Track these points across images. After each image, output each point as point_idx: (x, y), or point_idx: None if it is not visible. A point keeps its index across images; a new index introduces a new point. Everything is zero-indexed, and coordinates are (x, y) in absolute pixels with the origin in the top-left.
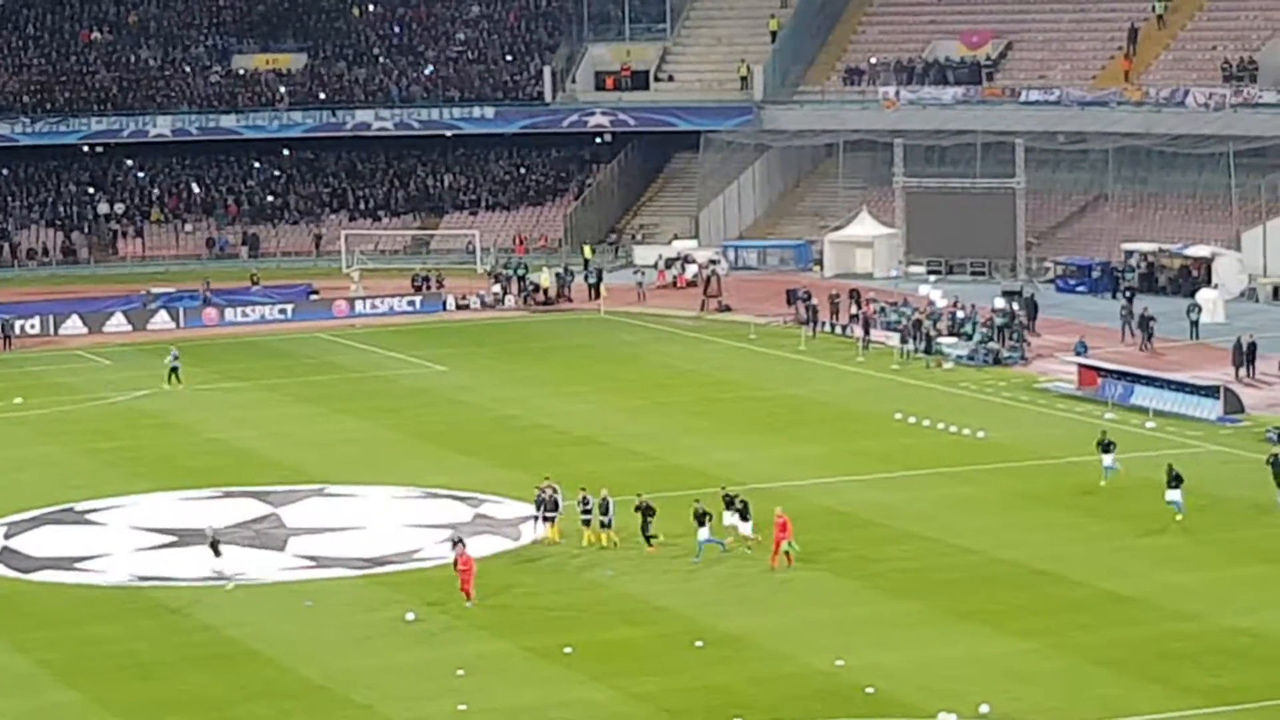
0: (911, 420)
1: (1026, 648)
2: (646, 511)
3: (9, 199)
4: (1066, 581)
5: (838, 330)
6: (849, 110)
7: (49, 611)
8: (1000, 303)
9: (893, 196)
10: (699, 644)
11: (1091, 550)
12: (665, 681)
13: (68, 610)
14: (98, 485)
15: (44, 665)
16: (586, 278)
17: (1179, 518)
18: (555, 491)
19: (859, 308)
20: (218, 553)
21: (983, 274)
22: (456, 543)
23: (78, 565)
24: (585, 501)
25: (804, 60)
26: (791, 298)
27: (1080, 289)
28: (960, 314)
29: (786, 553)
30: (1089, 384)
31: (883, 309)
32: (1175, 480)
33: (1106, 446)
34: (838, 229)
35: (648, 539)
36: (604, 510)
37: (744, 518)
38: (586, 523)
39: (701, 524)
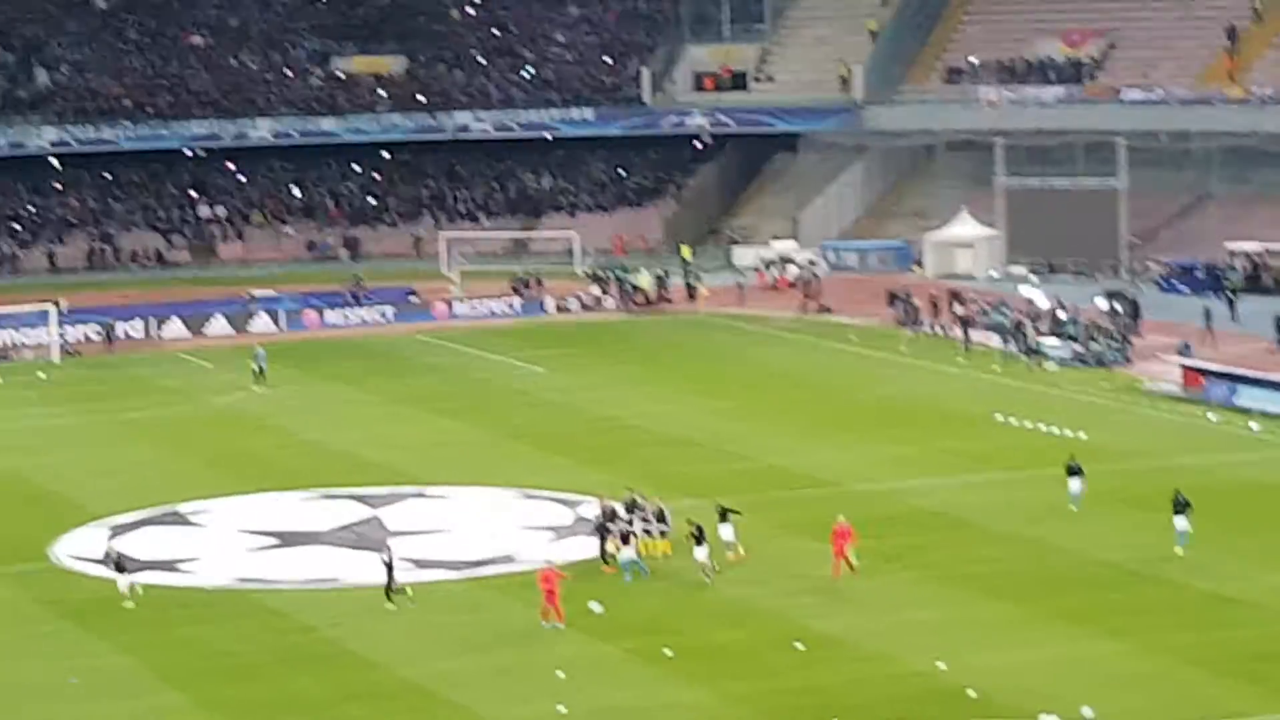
0: (1012, 421)
1: (1127, 649)
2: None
3: (111, 202)
4: (1167, 583)
5: (938, 331)
6: (950, 110)
7: (152, 613)
8: (1102, 303)
9: (994, 196)
10: (799, 646)
11: (1192, 551)
12: (765, 683)
13: (170, 612)
14: (200, 487)
15: (147, 667)
16: (686, 279)
17: (1179, 550)
18: (630, 503)
19: (960, 308)
20: (122, 570)
21: (1085, 274)
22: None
23: (180, 567)
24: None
25: (904, 60)
26: (892, 299)
27: (1184, 289)
28: (1062, 315)
29: (848, 562)
30: (1193, 385)
31: (984, 310)
32: (1182, 506)
33: (1074, 470)
34: (938, 229)
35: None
36: (660, 519)
37: (699, 541)
38: (646, 532)
39: (626, 542)
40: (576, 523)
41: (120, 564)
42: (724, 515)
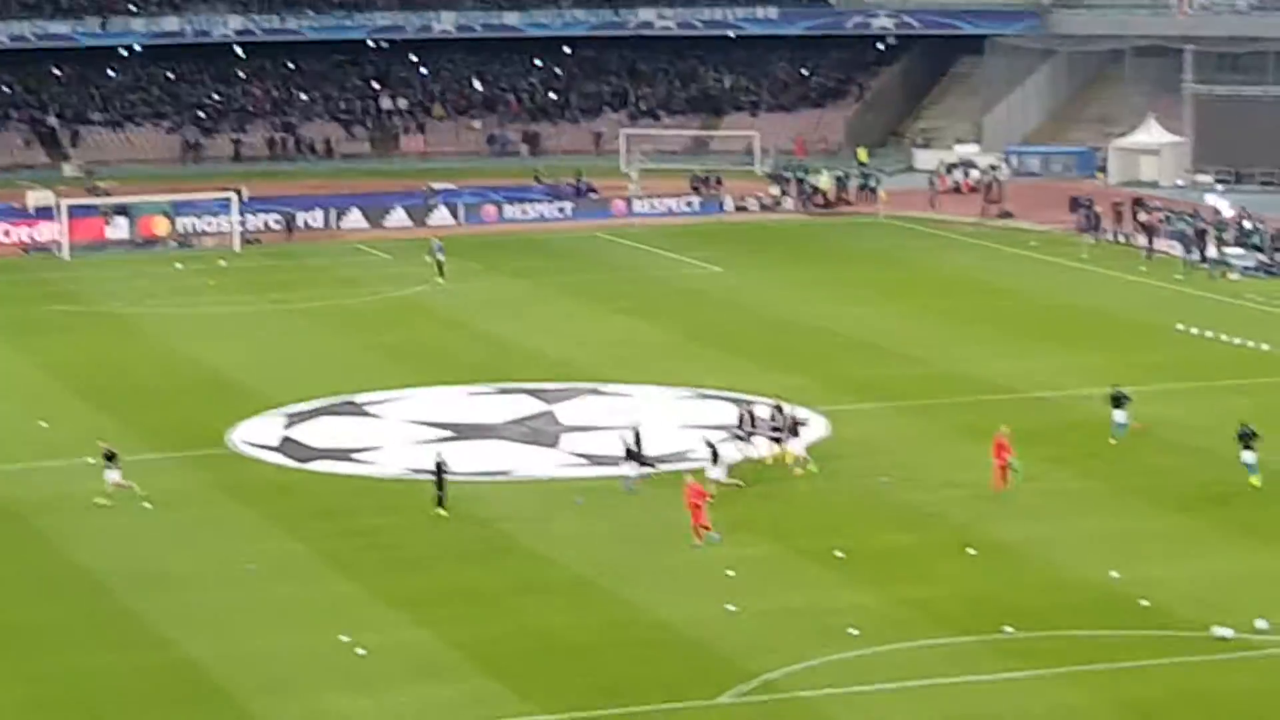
0: (1194, 331)
1: None
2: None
3: (294, 92)
4: None
5: (1121, 239)
6: (1139, 15)
7: (326, 501)
8: None
9: (1181, 104)
10: (971, 552)
11: None
12: (936, 588)
13: (344, 501)
14: (375, 378)
15: (321, 555)
16: (866, 182)
17: (1254, 481)
18: (777, 411)
19: (1144, 216)
20: (112, 463)
21: (1273, 184)
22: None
23: (354, 456)
24: (778, 417)
25: None
26: (1074, 205)
27: None
28: (1248, 224)
29: (1010, 468)
30: None
31: (1168, 218)
32: (1248, 438)
33: (1118, 400)
34: (1123, 136)
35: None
36: (794, 430)
37: (715, 460)
38: (777, 440)
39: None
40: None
41: (110, 456)
42: (795, 429)
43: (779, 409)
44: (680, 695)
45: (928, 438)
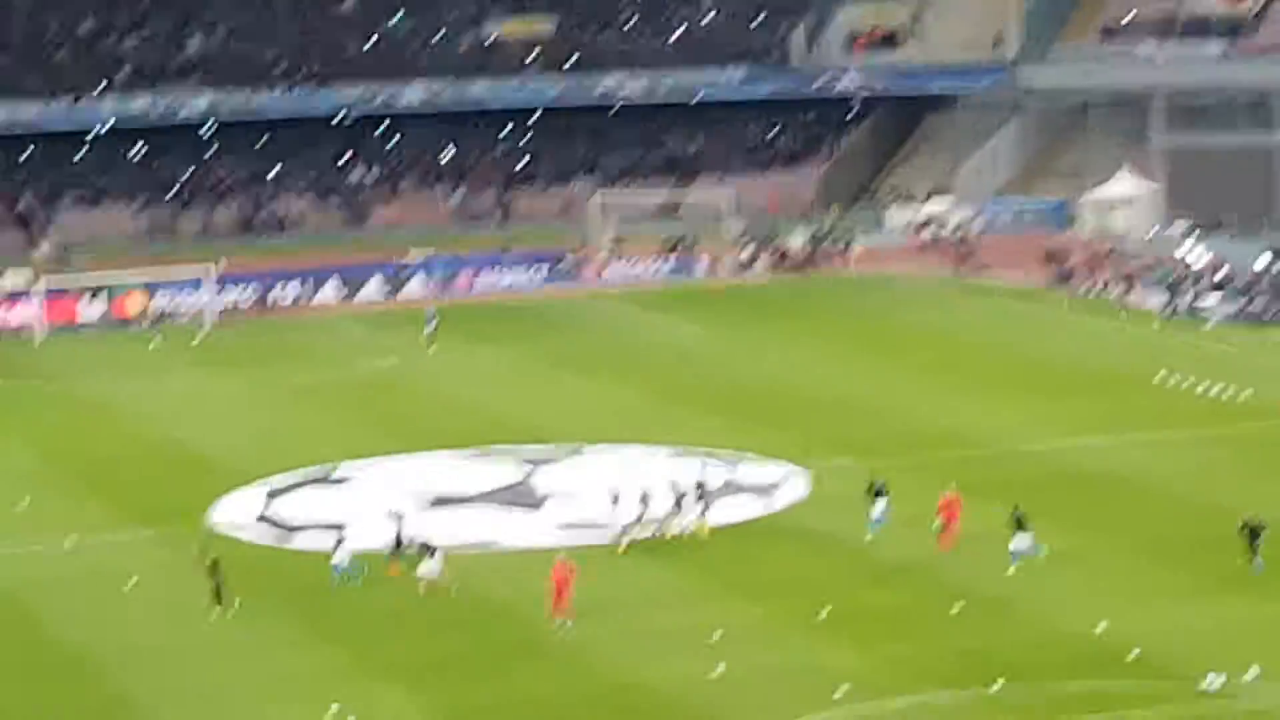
0: (1173, 380)
1: None
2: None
3: (266, 167)
4: None
5: (1096, 290)
6: (1105, 68)
7: (309, 578)
8: (1265, 259)
9: (1149, 154)
10: (957, 607)
11: None
12: (923, 645)
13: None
14: (356, 448)
15: (310, 626)
16: (837, 240)
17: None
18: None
19: (1118, 267)
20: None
21: (1245, 231)
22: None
23: (339, 529)
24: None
25: (1059, 18)
26: (1049, 257)
27: None
28: (1222, 272)
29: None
30: None
31: (1143, 268)
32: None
33: (878, 491)
34: (1095, 187)
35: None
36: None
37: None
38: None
39: (1021, 527)
40: (726, 485)
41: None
42: (431, 550)
43: (699, 485)
44: None
45: (911, 493)
